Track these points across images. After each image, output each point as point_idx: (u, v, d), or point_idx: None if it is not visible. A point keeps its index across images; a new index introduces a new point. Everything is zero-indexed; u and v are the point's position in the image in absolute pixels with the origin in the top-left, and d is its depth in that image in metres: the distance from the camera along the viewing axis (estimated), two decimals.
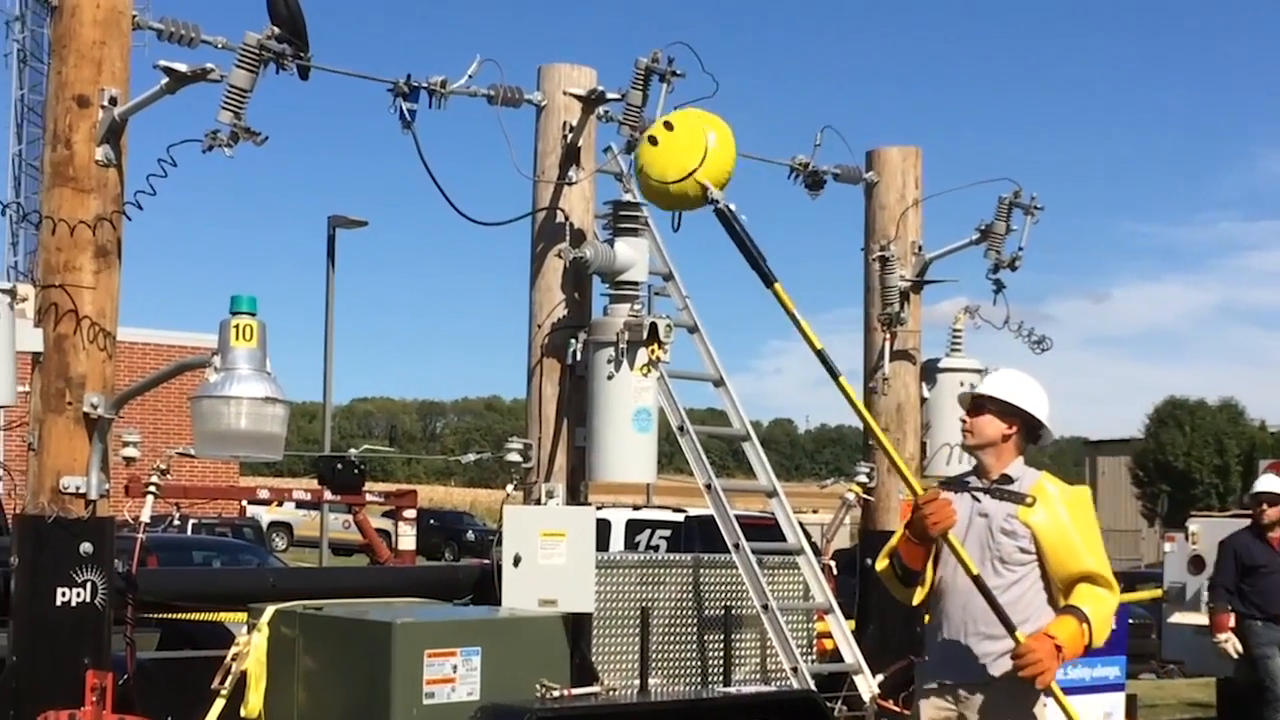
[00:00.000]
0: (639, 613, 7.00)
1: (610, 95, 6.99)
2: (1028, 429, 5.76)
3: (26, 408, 5.73)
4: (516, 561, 6.55)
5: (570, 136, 7.00)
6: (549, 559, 6.52)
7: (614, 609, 6.97)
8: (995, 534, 5.58)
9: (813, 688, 6.97)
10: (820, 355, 6.03)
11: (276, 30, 5.70)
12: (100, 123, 5.66)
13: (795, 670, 6.99)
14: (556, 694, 6.01)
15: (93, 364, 5.65)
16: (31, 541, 5.59)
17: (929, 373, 8.86)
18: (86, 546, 5.59)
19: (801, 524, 7.79)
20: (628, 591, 7.05)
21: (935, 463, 8.79)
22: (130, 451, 5.88)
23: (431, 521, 44.08)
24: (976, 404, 5.75)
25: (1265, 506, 11.24)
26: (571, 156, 7.02)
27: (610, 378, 6.75)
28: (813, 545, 7.89)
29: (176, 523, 24.73)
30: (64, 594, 5.55)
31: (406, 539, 12.51)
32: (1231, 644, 11.20)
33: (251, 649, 6.06)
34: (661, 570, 7.28)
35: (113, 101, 5.67)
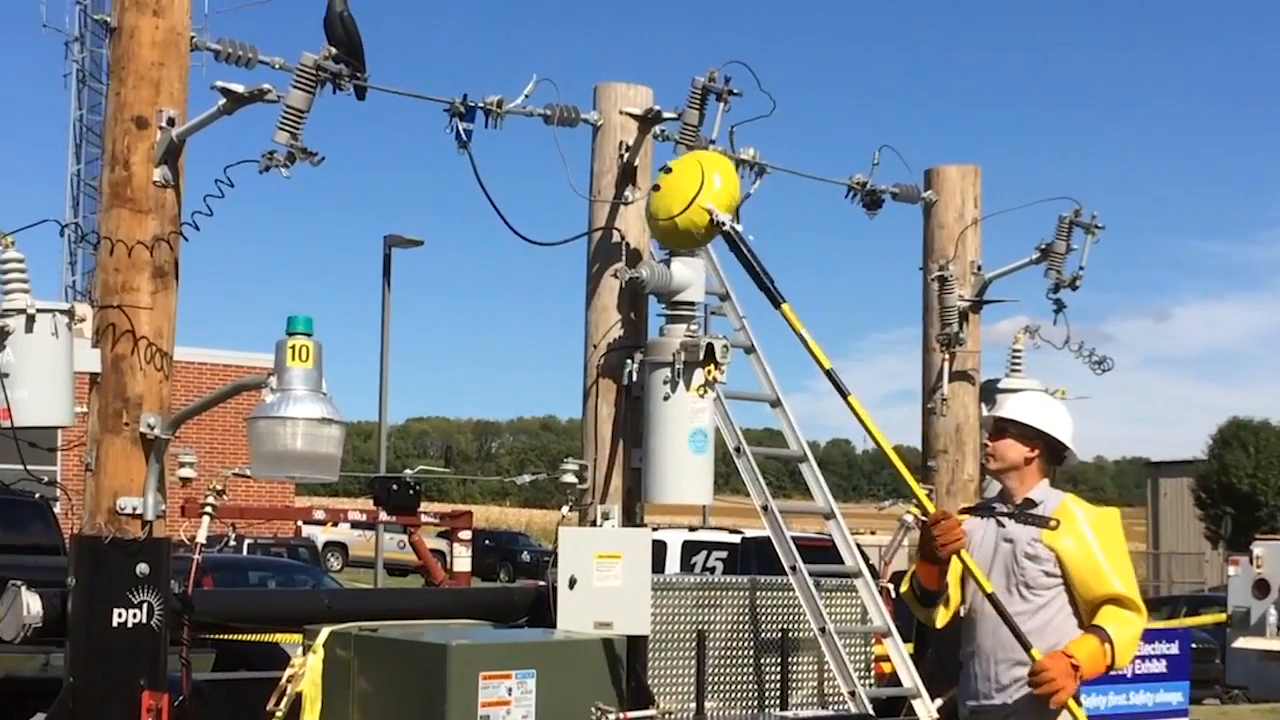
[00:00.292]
0: (695, 635, 6.95)
1: (667, 115, 6.95)
2: (1051, 451, 5.69)
3: (84, 428, 5.75)
4: (572, 583, 6.52)
5: (626, 156, 6.97)
6: (605, 581, 6.48)
7: (670, 631, 6.92)
8: (1019, 559, 5.52)
9: (870, 712, 6.90)
10: (829, 374, 5.97)
11: (333, 51, 5.70)
12: (158, 144, 5.67)
13: (853, 694, 6.92)
14: (612, 717, 5.96)
15: (149, 384, 5.65)
16: (88, 562, 5.59)
17: (988, 393, 8.76)
18: (143, 567, 5.58)
19: (859, 546, 7.73)
20: (684, 614, 7.01)
21: (994, 485, 8.69)
22: (186, 472, 5.88)
23: (487, 542, 44.23)
24: (998, 427, 5.69)
25: None
26: (628, 176, 6.99)
27: (666, 398, 6.70)
28: (870, 567, 7.82)
29: (232, 543, 24.93)
30: (120, 615, 5.55)
31: (462, 560, 12.53)
32: None
33: (307, 670, 6.04)
34: (718, 592, 7.23)
35: (171, 122, 5.68)
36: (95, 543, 5.57)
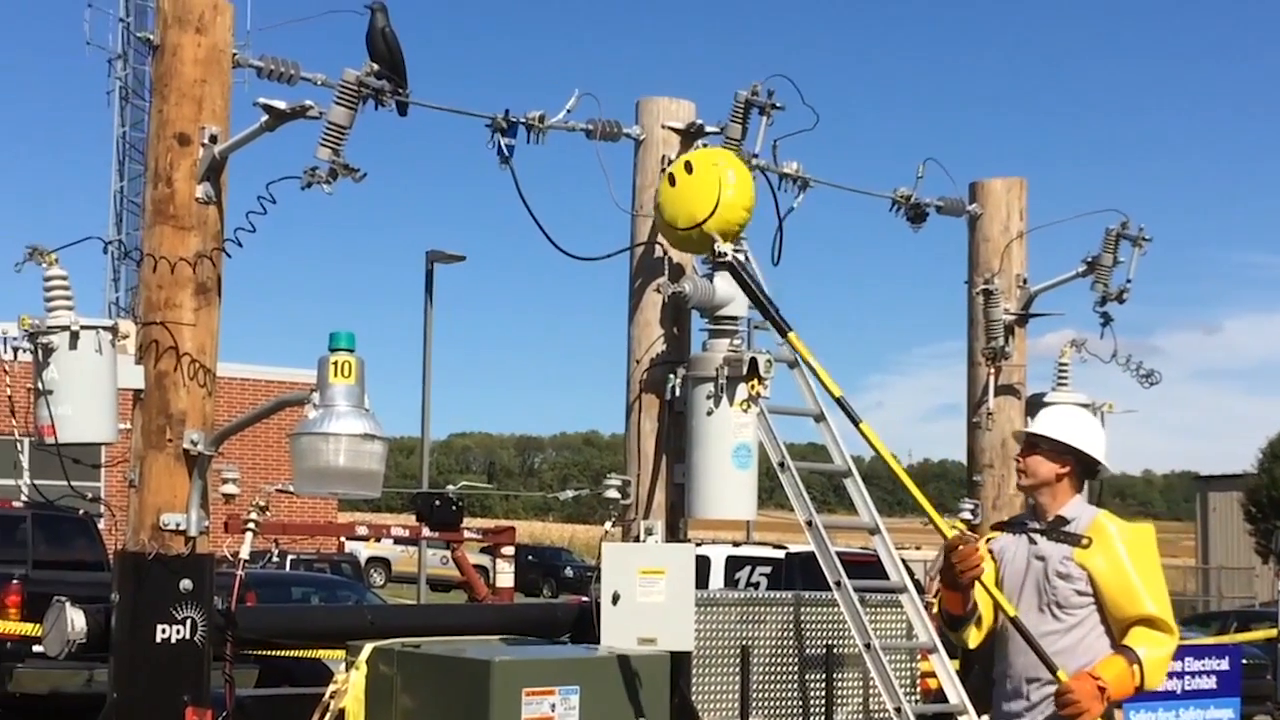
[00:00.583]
0: (739, 651, 6.91)
1: (709, 129, 6.94)
2: (1083, 467, 5.58)
3: (127, 444, 5.76)
4: (615, 599, 6.49)
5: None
6: (648, 596, 6.44)
7: (714, 647, 6.88)
8: (1051, 577, 5.42)
9: None
10: (840, 402, 5.91)
11: (375, 67, 5.71)
12: (201, 160, 5.69)
13: (898, 710, 6.86)
14: None
15: (193, 401, 5.66)
16: (132, 578, 5.60)
17: (1035, 407, 8.66)
18: (186, 583, 5.59)
19: (904, 561, 7.66)
20: (728, 629, 6.97)
21: None
22: (229, 488, 5.88)
23: (530, 558, 44.23)
24: (1029, 443, 5.60)
25: None
26: None
27: (710, 413, 6.68)
28: (916, 583, 7.77)
29: (275, 559, 25.00)
30: (164, 631, 5.56)
31: (505, 575, 12.53)
32: None
33: (350, 686, 6.03)
34: (762, 608, 7.19)
35: (213, 139, 5.70)
36: (139, 559, 5.58)
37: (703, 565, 16.24)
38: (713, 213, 6.42)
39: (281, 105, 5.43)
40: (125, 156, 38.96)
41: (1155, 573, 5.47)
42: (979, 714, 7.36)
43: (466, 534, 13.14)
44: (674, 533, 6.93)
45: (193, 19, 5.70)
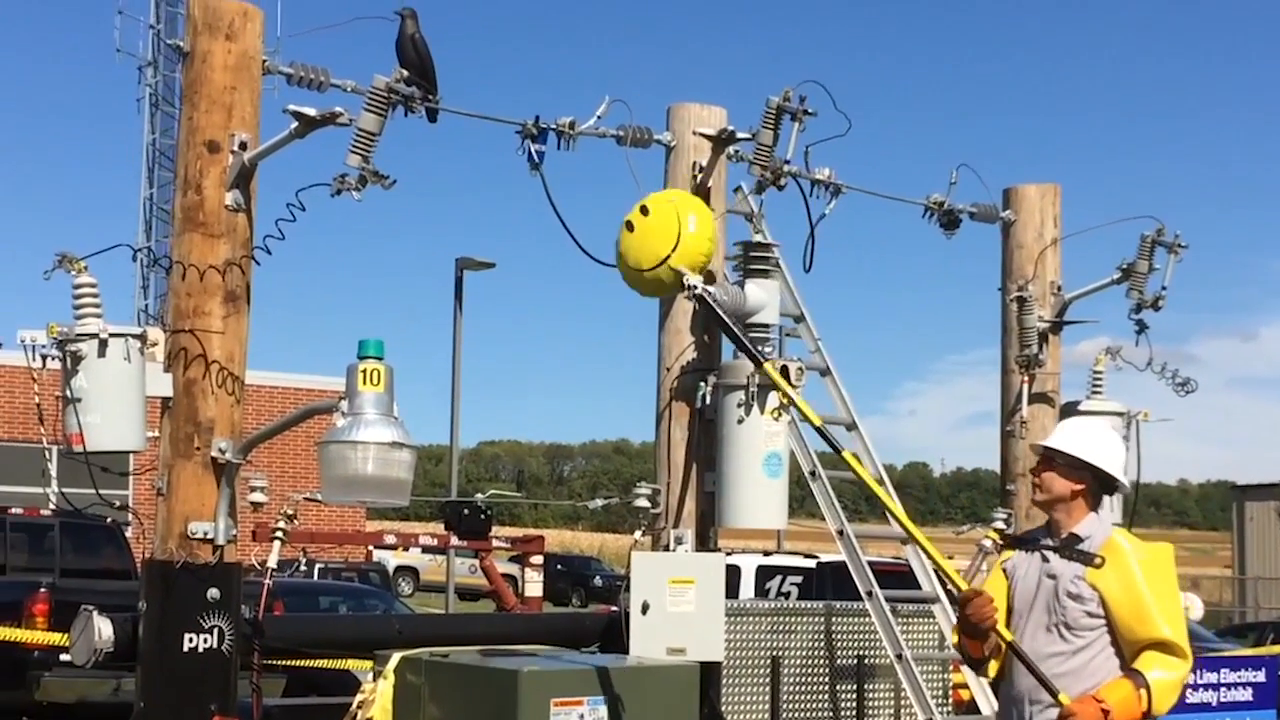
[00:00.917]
0: (770, 662, 6.87)
1: (741, 135, 6.89)
2: (1100, 483, 5.43)
3: (155, 453, 5.74)
4: (645, 609, 6.45)
5: (700, 177, 6.92)
6: (678, 606, 6.41)
7: (744, 658, 6.84)
8: (1061, 597, 5.25)
9: None
10: (820, 430, 5.82)
11: (405, 73, 5.69)
12: (230, 168, 5.67)
13: None
14: None
15: (221, 409, 5.64)
16: (160, 587, 5.59)
17: (1069, 415, 8.62)
18: (214, 592, 5.57)
19: (937, 570, 7.61)
20: (758, 640, 6.92)
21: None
22: (258, 496, 5.86)
23: (559, 567, 44.18)
24: (1045, 457, 5.47)
25: None
26: (701, 197, 6.92)
27: (740, 422, 6.64)
28: (948, 593, 7.70)
29: (303, 567, 25.02)
30: (191, 639, 5.54)
31: (533, 585, 12.48)
32: None
33: (377, 696, 6.01)
34: (792, 618, 7.14)
35: (243, 146, 5.68)
36: (167, 567, 5.56)
37: (733, 575, 16.17)
38: (675, 247, 6.37)
39: (311, 112, 5.41)
40: (155, 164, 39.04)
41: (1171, 595, 5.28)
42: None
43: (495, 543, 13.08)
44: (704, 542, 6.89)
45: (223, 26, 5.69)
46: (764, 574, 17.19)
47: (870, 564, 6.98)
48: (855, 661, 7.19)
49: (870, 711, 7.25)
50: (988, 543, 8.41)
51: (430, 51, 5.95)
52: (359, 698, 6.07)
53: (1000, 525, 8.44)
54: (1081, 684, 5.15)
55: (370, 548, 30.57)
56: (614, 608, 7.32)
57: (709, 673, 6.38)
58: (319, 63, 5.82)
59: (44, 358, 5.53)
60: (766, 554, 18.21)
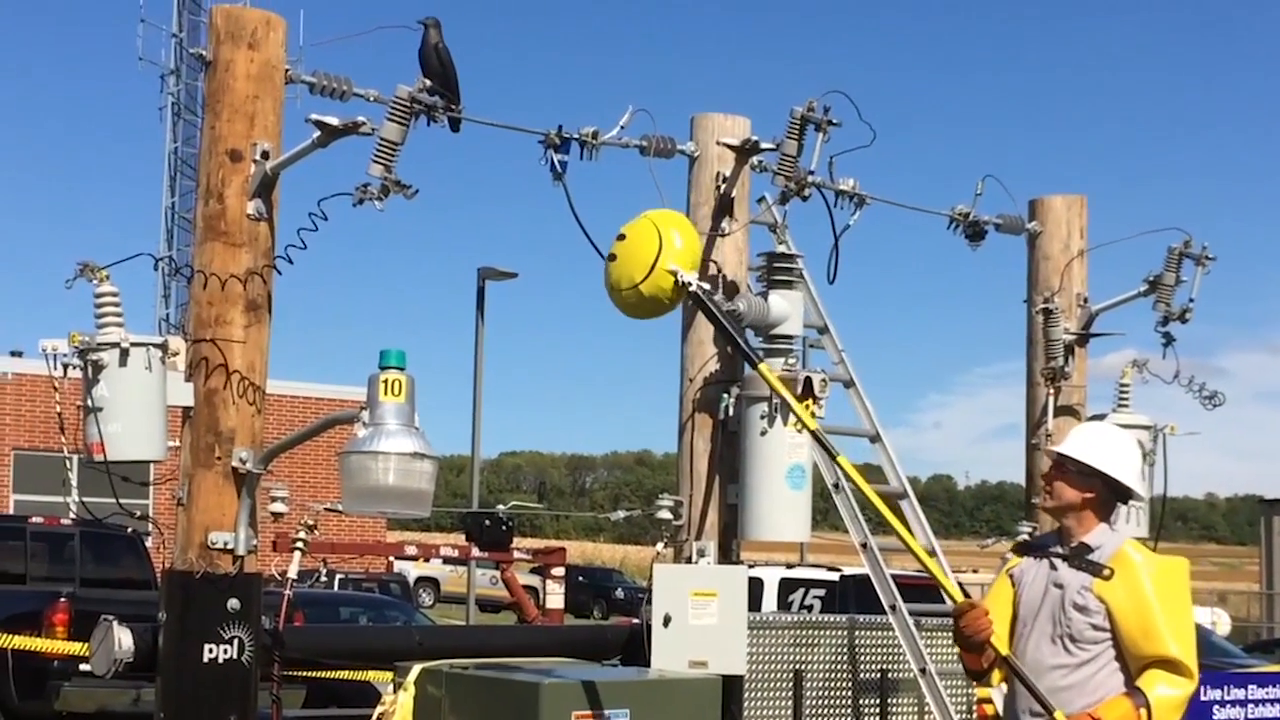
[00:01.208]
0: (792, 675, 6.83)
1: (765, 145, 6.85)
2: (1112, 491, 5.30)
3: (176, 462, 5.73)
4: (666, 621, 6.42)
5: (723, 187, 6.88)
6: (700, 619, 6.37)
7: (766, 671, 6.80)
8: (1066, 608, 5.14)
9: None
10: (815, 436, 5.78)
11: (428, 83, 5.66)
12: (252, 177, 5.66)
13: None
14: None
15: (242, 418, 5.62)
16: (179, 597, 5.57)
17: None
18: (234, 603, 5.55)
19: (961, 584, 7.55)
20: (780, 653, 6.88)
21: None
22: (278, 507, 5.84)
23: (580, 579, 44.17)
24: (1057, 462, 5.37)
25: None
26: (725, 208, 6.90)
27: (763, 434, 6.61)
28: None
29: (324, 578, 25.03)
30: (211, 650, 5.51)
31: (554, 597, 12.47)
32: None
33: (397, 708, 5.99)
34: (815, 631, 7.09)
35: (265, 155, 5.67)
36: (187, 578, 5.54)
37: (756, 587, 16.13)
38: (660, 249, 6.18)
39: (334, 121, 5.39)
40: (177, 172, 39.18)
41: (1182, 611, 5.14)
42: None
43: (516, 554, 13.07)
44: (726, 554, 6.85)
45: (245, 35, 5.68)
46: (787, 587, 17.15)
47: (894, 577, 6.93)
48: (879, 675, 7.14)
49: None
50: (1011, 556, 8.37)
51: (453, 61, 5.93)
52: (379, 709, 6.05)
53: (1025, 538, 8.38)
54: (1084, 699, 5.07)
55: (391, 559, 30.61)
56: (635, 620, 7.28)
57: (731, 686, 6.34)
58: (341, 72, 5.81)
59: (65, 367, 5.51)
60: (790, 567, 18.19)
